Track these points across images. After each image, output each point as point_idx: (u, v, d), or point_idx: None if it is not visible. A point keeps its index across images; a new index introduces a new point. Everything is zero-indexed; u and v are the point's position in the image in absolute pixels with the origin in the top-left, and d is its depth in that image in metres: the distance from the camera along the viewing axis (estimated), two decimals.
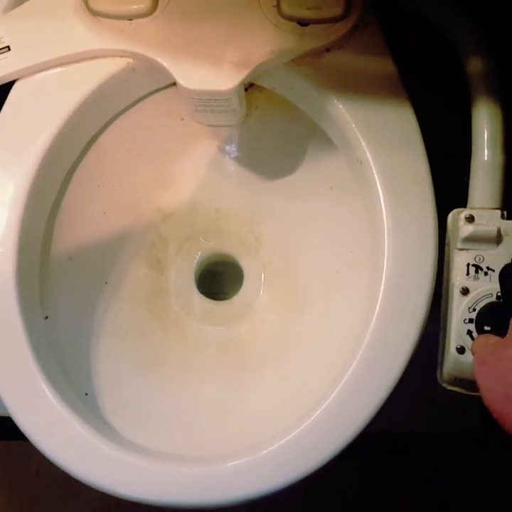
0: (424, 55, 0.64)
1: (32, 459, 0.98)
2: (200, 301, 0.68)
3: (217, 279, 0.73)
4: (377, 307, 0.50)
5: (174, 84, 0.61)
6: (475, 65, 0.54)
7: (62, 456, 0.48)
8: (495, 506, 0.82)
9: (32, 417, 0.49)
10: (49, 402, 0.49)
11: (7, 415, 0.50)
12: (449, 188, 0.54)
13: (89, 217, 0.63)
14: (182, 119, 0.65)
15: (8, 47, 0.56)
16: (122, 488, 0.48)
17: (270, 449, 0.48)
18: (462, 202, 0.54)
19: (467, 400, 0.85)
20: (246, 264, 0.69)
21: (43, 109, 0.56)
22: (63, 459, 0.48)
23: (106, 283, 0.63)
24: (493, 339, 0.44)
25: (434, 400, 0.80)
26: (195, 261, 0.69)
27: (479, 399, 0.51)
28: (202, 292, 0.68)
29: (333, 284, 0.62)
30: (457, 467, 0.87)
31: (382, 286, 0.50)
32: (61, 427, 0.48)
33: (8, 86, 0.56)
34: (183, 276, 0.68)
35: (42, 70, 0.56)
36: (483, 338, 0.46)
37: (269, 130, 0.65)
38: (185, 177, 0.67)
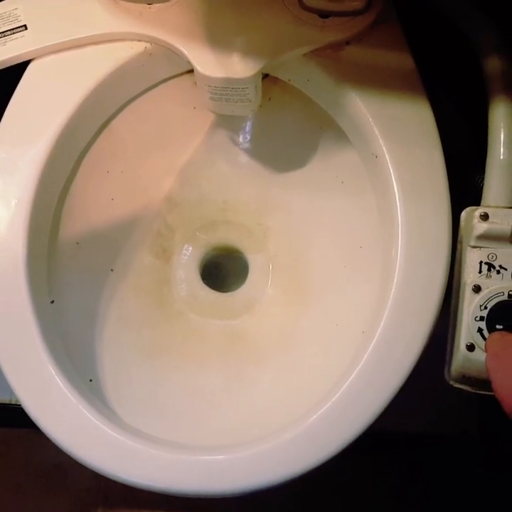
0: (440, 53, 0.64)
1: (20, 448, 0.97)
2: (205, 293, 0.67)
3: (222, 271, 0.73)
4: (390, 302, 0.50)
5: (188, 72, 0.60)
6: (493, 64, 0.54)
7: (69, 441, 0.47)
8: (492, 506, 0.82)
9: (38, 399, 0.48)
10: (56, 386, 0.48)
11: None
12: (458, 187, 0.54)
13: (98, 202, 0.62)
14: (194, 107, 0.64)
15: (25, 26, 0.55)
16: (126, 473, 0.48)
17: (278, 441, 0.48)
18: (471, 201, 0.54)
19: (465, 400, 0.85)
20: (252, 257, 0.68)
21: (58, 91, 0.55)
22: (69, 443, 0.47)
23: (112, 270, 0.63)
24: (509, 336, 0.44)
25: (431, 400, 0.80)
26: (201, 252, 0.68)
27: (485, 397, 0.51)
28: (206, 283, 0.68)
29: (341, 278, 0.62)
30: (453, 468, 0.87)
31: (394, 281, 0.50)
32: (68, 412, 0.48)
33: (23, 66, 0.56)
34: (187, 266, 0.68)
35: (58, 51, 0.55)
36: (498, 334, 0.46)
37: (282, 122, 0.64)
38: (194, 166, 0.67)
